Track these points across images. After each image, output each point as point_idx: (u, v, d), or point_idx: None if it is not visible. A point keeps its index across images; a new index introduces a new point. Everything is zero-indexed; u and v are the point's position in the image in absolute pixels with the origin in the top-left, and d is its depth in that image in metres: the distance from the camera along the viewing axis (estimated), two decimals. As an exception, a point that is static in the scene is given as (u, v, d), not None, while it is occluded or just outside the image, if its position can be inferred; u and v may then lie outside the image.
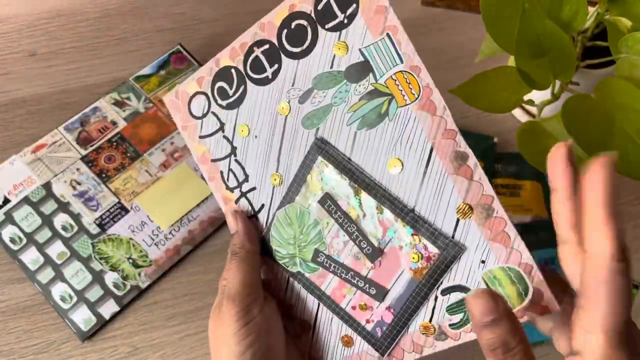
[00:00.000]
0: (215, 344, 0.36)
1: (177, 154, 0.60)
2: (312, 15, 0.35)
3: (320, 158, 0.36)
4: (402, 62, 0.33)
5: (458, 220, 0.33)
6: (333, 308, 0.37)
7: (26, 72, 0.65)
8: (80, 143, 0.60)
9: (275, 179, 0.38)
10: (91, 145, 0.59)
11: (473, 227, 0.32)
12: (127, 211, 0.57)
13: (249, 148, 0.39)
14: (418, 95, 0.32)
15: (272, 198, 0.39)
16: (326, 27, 0.35)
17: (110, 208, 0.57)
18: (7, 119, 0.62)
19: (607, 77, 0.46)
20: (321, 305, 0.38)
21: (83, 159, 0.59)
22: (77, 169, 0.58)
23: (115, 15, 0.70)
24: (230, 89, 0.39)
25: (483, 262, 0.32)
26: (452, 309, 0.34)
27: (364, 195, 0.35)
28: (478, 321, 0.29)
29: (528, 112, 0.64)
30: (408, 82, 0.33)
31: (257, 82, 0.38)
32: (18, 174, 0.57)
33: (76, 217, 0.56)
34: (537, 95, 0.54)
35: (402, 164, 0.33)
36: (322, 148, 0.36)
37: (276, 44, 0.37)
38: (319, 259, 0.37)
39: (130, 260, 0.55)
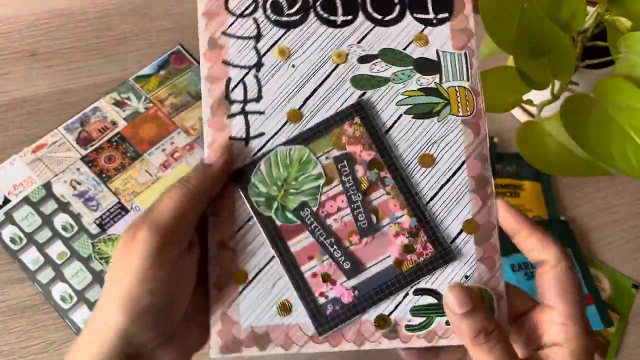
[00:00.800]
0: (115, 273, 0.29)
1: (177, 154, 0.60)
2: None
3: (357, 118, 0.36)
4: (468, 81, 0.36)
5: (461, 231, 0.35)
6: (289, 268, 0.35)
7: (26, 72, 0.65)
8: (80, 143, 0.60)
9: (293, 115, 0.36)
10: (91, 145, 0.59)
11: (470, 244, 0.35)
12: (127, 211, 0.57)
13: (279, 72, 0.37)
14: (471, 114, 0.36)
15: (278, 131, 0.36)
16: (414, 15, 0.37)
17: (111, 208, 0.57)
18: (7, 119, 0.62)
19: (607, 77, 0.46)
20: (274, 260, 0.35)
21: (83, 159, 0.59)
22: (77, 169, 0.58)
23: (115, 15, 0.70)
24: (289, 8, 0.38)
25: (467, 277, 0.34)
26: (416, 311, 0.34)
27: (384, 172, 0.35)
28: (458, 312, 0.31)
29: (528, 112, 0.64)
30: (467, 99, 0.36)
31: (322, 20, 0.37)
32: (18, 174, 0.57)
33: (76, 217, 0.56)
34: (537, 95, 0.54)
35: (434, 162, 0.35)
36: (364, 110, 0.36)
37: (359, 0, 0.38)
38: (302, 213, 0.35)
39: (130, 260, 0.55)
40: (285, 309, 0.34)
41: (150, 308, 0.28)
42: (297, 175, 0.35)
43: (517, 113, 0.65)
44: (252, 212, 0.35)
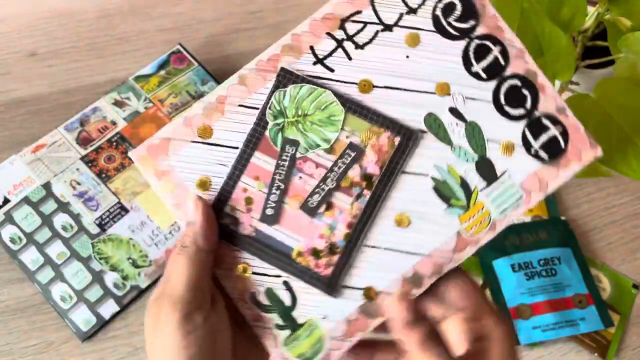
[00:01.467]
0: (153, 350, 0.32)
1: (176, 154, 0.60)
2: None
3: (398, 138, 0.37)
4: (499, 215, 0.36)
5: (360, 289, 0.36)
6: (236, 166, 0.36)
7: (26, 72, 0.65)
8: (80, 143, 0.60)
9: (365, 85, 0.37)
10: (91, 145, 0.59)
11: (355, 304, 0.35)
12: (127, 211, 0.57)
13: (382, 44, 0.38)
14: (473, 235, 0.36)
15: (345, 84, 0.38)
16: (530, 142, 0.36)
17: (110, 208, 0.57)
18: (6, 119, 0.62)
19: (607, 77, 0.46)
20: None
21: (83, 159, 0.59)
22: (77, 169, 0.58)
23: (115, 15, 0.70)
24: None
25: (324, 317, 0.35)
26: (269, 294, 0.36)
27: (367, 192, 0.36)
28: (405, 321, 0.32)
29: (528, 112, 0.64)
30: (481, 222, 0.36)
31: (450, 37, 0.38)
32: (18, 173, 0.57)
33: (76, 217, 0.56)
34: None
35: (406, 226, 0.36)
36: (410, 140, 0.36)
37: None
38: (287, 147, 0.37)
39: (130, 260, 0.55)
40: (203, 184, 0.36)
41: None
42: (315, 121, 0.36)
43: (518, 113, 0.65)
44: (258, 114, 0.37)
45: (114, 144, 0.60)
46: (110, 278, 0.54)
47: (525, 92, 0.36)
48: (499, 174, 0.36)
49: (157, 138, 0.36)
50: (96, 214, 0.56)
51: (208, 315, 0.31)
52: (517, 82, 0.36)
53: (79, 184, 0.58)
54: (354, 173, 0.36)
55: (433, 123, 0.36)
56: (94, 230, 0.56)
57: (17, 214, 0.56)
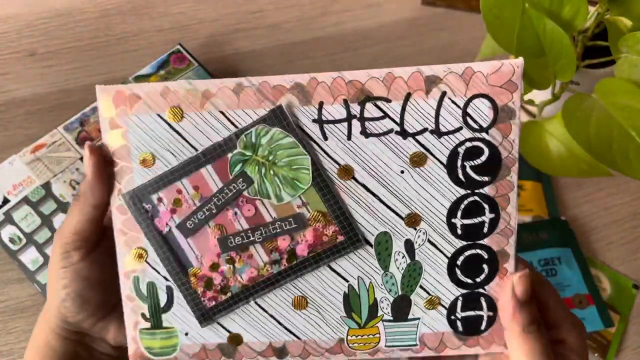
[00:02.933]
0: (49, 269, 0.38)
1: (176, 154, 0.60)
2: None
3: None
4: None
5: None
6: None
7: (25, 72, 0.65)
8: (79, 143, 0.59)
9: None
10: (91, 145, 0.59)
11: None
12: (126, 211, 0.57)
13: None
14: (369, 349, 0.36)
15: None
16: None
17: (110, 208, 0.57)
18: (6, 119, 0.62)
19: (608, 77, 0.46)
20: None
21: (82, 159, 0.59)
22: (77, 169, 0.58)
23: (115, 15, 0.70)
24: None
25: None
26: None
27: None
28: (521, 298, 0.33)
29: (528, 112, 0.64)
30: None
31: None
32: (17, 173, 0.57)
33: (76, 217, 0.56)
34: (538, 95, 0.54)
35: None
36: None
37: None
38: (237, 182, 0.35)
39: (130, 261, 0.55)
40: (146, 162, 0.35)
41: (67, 298, 0.36)
42: (279, 175, 0.35)
43: (518, 113, 0.65)
44: (232, 133, 0.34)
45: (114, 144, 0.60)
46: (110, 278, 0.54)
47: (485, 267, 0.34)
48: (409, 318, 0.35)
49: (129, 89, 0.34)
50: (96, 214, 0.56)
51: (84, 256, 0.37)
52: (484, 254, 0.34)
53: (78, 184, 0.57)
54: (283, 242, 0.35)
55: (383, 243, 0.35)
56: (94, 230, 0.56)
57: (16, 214, 0.56)
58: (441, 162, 0.33)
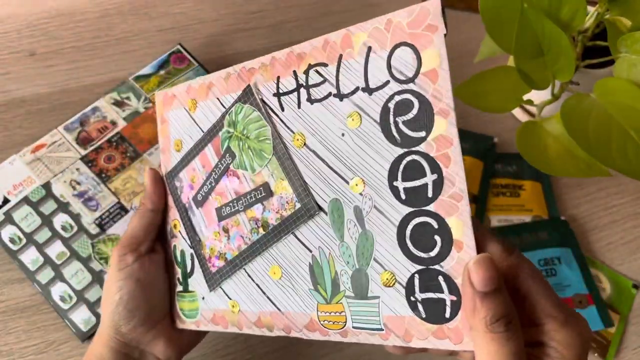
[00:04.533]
0: (106, 280, 0.42)
1: (176, 154, 0.60)
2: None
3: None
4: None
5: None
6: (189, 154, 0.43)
7: (26, 72, 0.65)
8: (79, 143, 0.60)
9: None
10: (91, 145, 0.59)
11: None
12: (126, 211, 0.57)
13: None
14: (339, 329, 0.35)
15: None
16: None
17: (110, 208, 0.57)
18: (6, 119, 0.62)
19: (607, 77, 0.46)
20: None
21: (83, 159, 0.59)
22: (77, 169, 0.58)
23: (115, 15, 0.70)
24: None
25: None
26: None
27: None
28: (480, 289, 0.27)
29: (528, 112, 0.64)
30: None
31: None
32: (18, 173, 0.57)
33: (76, 217, 0.56)
34: (537, 95, 0.54)
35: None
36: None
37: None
38: (226, 156, 0.40)
39: (130, 260, 0.55)
40: (177, 145, 0.44)
41: (120, 302, 0.39)
42: (251, 147, 0.37)
43: (517, 113, 0.65)
44: (221, 114, 0.39)
45: (114, 144, 0.60)
46: (110, 278, 0.54)
47: (437, 239, 0.30)
48: (369, 296, 0.33)
49: (171, 92, 0.43)
50: (96, 214, 0.56)
51: (139, 258, 0.41)
52: (433, 222, 0.30)
53: (78, 184, 0.57)
54: (257, 211, 0.37)
55: (335, 210, 0.34)
56: (94, 230, 0.56)
57: (16, 214, 0.56)
58: (375, 120, 0.31)
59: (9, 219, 0.56)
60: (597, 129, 0.43)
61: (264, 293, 0.37)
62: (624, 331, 0.56)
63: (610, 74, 0.48)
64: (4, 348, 0.52)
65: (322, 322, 0.35)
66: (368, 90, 0.32)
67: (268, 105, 0.36)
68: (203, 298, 0.41)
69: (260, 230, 0.37)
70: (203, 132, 0.40)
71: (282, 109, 0.36)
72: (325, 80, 0.33)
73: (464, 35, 0.70)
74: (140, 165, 0.59)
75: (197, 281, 0.41)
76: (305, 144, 0.35)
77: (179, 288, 0.43)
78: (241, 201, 0.38)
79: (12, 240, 0.55)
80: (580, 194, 0.62)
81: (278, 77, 0.36)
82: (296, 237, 0.36)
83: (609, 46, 0.47)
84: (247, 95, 0.37)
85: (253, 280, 0.38)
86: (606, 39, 0.48)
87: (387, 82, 0.31)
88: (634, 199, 0.62)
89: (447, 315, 0.30)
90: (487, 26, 0.46)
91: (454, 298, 0.29)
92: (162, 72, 0.63)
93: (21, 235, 0.55)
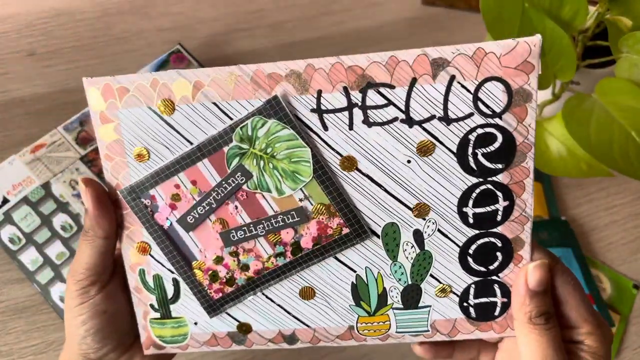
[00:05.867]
0: (65, 310, 0.38)
1: (176, 153, 0.59)
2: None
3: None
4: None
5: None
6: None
7: (25, 72, 0.65)
8: (79, 143, 0.59)
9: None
10: (90, 145, 0.59)
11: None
12: (126, 211, 0.57)
13: None
14: (380, 335, 0.36)
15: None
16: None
17: (110, 208, 0.57)
18: (6, 119, 0.62)
19: (608, 77, 0.46)
20: None
21: (82, 158, 0.59)
22: (77, 169, 0.58)
23: (115, 15, 0.69)
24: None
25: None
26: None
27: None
28: (533, 288, 0.32)
29: (528, 112, 0.64)
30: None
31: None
32: (17, 173, 0.57)
33: (75, 217, 0.56)
34: (538, 95, 0.54)
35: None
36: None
37: None
38: (235, 175, 0.35)
39: (130, 261, 0.55)
40: (140, 156, 0.34)
41: (87, 335, 0.36)
42: (279, 168, 0.33)
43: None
44: (228, 126, 0.33)
45: (114, 144, 0.60)
46: (110, 278, 0.54)
47: (499, 255, 0.33)
48: (419, 306, 0.34)
49: (117, 82, 0.33)
50: (96, 214, 0.56)
51: (103, 289, 0.36)
52: (498, 242, 0.33)
53: (78, 183, 0.57)
54: (287, 235, 0.34)
55: (390, 234, 0.33)
56: (94, 230, 0.56)
57: (16, 214, 0.56)
58: (450, 150, 0.31)
59: (8, 219, 0.55)
60: (599, 130, 0.43)
61: (288, 313, 0.36)
62: (625, 331, 0.56)
63: (611, 74, 0.48)
64: (4, 348, 0.52)
65: (361, 332, 0.35)
66: (446, 120, 0.31)
67: (304, 123, 0.32)
68: (196, 323, 0.37)
69: (289, 254, 0.35)
70: (191, 143, 0.33)
71: (325, 128, 0.32)
72: (390, 103, 0.31)
73: (465, 35, 0.70)
74: (140, 165, 0.59)
75: (185, 307, 0.37)
76: (357, 168, 0.32)
77: (154, 315, 0.37)
78: (261, 225, 0.34)
79: (11, 240, 0.55)
80: (580, 194, 0.62)
81: (320, 91, 0.31)
82: (337, 259, 0.34)
83: (610, 46, 0.47)
84: (274, 109, 0.32)
85: (273, 302, 0.36)
86: (607, 38, 0.47)
87: (471, 115, 0.30)
88: (634, 199, 0.62)
89: (497, 314, 0.34)
90: (487, 26, 0.46)
91: (505, 300, 0.33)
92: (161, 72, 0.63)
93: (21, 235, 0.55)
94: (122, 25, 0.69)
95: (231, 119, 0.32)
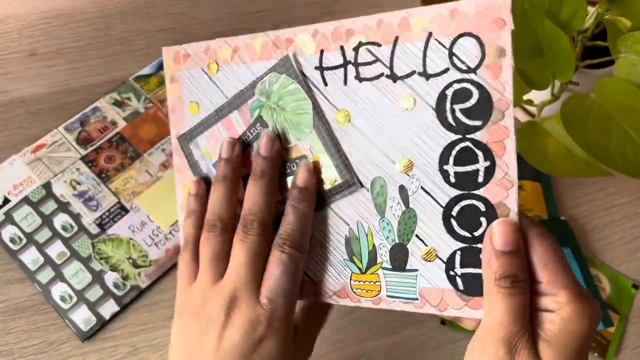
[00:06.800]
0: None
1: (176, 154, 0.60)
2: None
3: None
4: None
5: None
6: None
7: (26, 72, 0.65)
8: (80, 143, 0.60)
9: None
10: (91, 145, 0.59)
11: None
12: (127, 211, 0.57)
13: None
14: (372, 297, 0.36)
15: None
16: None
17: (110, 208, 0.57)
18: (6, 119, 0.62)
19: (607, 77, 0.46)
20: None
21: (83, 159, 0.59)
22: (77, 169, 0.58)
23: (115, 15, 0.70)
24: None
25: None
26: None
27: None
28: (498, 247, 0.30)
29: (528, 112, 0.64)
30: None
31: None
32: (18, 173, 0.57)
33: (76, 217, 0.56)
34: (537, 95, 0.54)
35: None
36: None
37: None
38: (257, 124, 0.39)
39: (130, 260, 0.55)
40: (193, 109, 0.41)
41: None
42: (287, 119, 0.37)
43: (517, 113, 0.65)
44: (251, 82, 0.38)
45: (114, 144, 0.60)
46: (110, 278, 0.54)
47: (483, 221, 0.31)
48: (407, 268, 0.34)
49: (184, 50, 0.41)
50: (96, 214, 0.56)
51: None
52: (481, 206, 0.32)
53: (79, 184, 0.58)
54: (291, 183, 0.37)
55: (378, 189, 0.34)
56: (94, 230, 0.56)
57: (17, 214, 0.56)
58: (430, 105, 0.32)
59: (9, 219, 0.56)
60: (597, 129, 0.44)
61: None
62: (624, 331, 0.56)
63: (610, 74, 0.48)
64: (4, 348, 0.52)
65: (354, 290, 0.36)
66: (425, 75, 0.32)
67: (309, 79, 0.35)
68: None
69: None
70: (227, 97, 0.39)
71: (325, 84, 0.35)
72: (377, 60, 0.33)
73: (464, 35, 0.70)
74: (140, 166, 0.59)
75: None
76: (350, 121, 0.35)
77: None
78: None
79: (12, 240, 0.55)
80: (580, 194, 0.62)
81: (322, 50, 0.35)
82: (333, 210, 0.36)
83: (609, 46, 0.47)
84: (285, 66, 0.36)
85: None
86: (606, 39, 0.48)
87: (447, 70, 0.31)
88: (633, 199, 0.62)
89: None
90: (487, 26, 0.46)
91: None
92: (162, 72, 0.63)
93: (21, 235, 0.55)
94: (122, 25, 0.69)
95: (256, 76, 0.37)
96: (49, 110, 0.63)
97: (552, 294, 0.30)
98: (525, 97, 0.52)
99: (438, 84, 0.32)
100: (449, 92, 0.31)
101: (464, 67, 0.31)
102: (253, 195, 0.36)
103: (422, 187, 0.33)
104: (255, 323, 0.33)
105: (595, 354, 0.54)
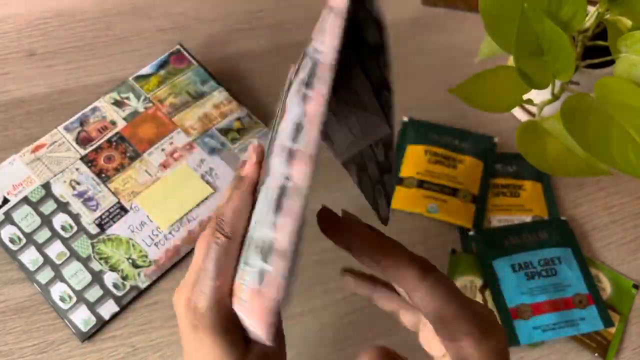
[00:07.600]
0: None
1: (176, 153, 0.60)
2: None
3: None
4: None
5: None
6: None
7: (25, 72, 0.65)
8: (79, 143, 0.60)
9: None
10: (91, 145, 0.59)
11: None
12: (126, 211, 0.57)
13: None
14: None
15: None
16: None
17: (110, 208, 0.57)
18: (6, 119, 0.62)
19: (607, 77, 0.46)
20: None
21: (82, 159, 0.59)
22: (77, 169, 0.58)
23: (115, 15, 0.70)
24: None
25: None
26: None
27: None
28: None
29: (528, 112, 0.64)
30: None
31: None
32: (17, 173, 0.57)
33: (75, 217, 0.56)
34: (537, 95, 0.54)
35: None
36: None
37: None
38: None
39: (130, 261, 0.55)
40: None
41: None
42: None
43: (517, 113, 0.65)
44: None
45: (114, 144, 0.60)
46: (110, 278, 0.54)
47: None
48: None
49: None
50: (96, 214, 0.56)
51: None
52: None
53: (78, 184, 0.57)
54: None
55: None
56: (94, 230, 0.56)
57: (16, 214, 0.56)
58: None
59: (8, 219, 0.56)
60: (597, 129, 0.43)
61: None
62: (624, 331, 0.56)
63: (610, 74, 0.48)
64: (4, 348, 0.52)
65: None
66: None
67: None
68: None
69: None
70: None
71: None
72: None
73: (465, 35, 0.70)
74: (140, 166, 0.59)
75: None
76: None
77: None
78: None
79: (11, 240, 0.55)
80: (580, 194, 0.62)
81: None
82: None
83: (609, 46, 0.47)
84: None
85: None
86: (606, 38, 0.48)
87: None
88: (633, 199, 0.62)
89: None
90: (487, 26, 0.46)
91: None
92: (162, 72, 0.63)
93: (21, 235, 0.55)
94: (122, 25, 0.69)
95: None
96: (49, 110, 0.63)
97: (456, 339, 0.29)
98: (525, 97, 0.52)
99: None
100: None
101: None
102: None
103: None
104: None
105: (596, 354, 0.54)
